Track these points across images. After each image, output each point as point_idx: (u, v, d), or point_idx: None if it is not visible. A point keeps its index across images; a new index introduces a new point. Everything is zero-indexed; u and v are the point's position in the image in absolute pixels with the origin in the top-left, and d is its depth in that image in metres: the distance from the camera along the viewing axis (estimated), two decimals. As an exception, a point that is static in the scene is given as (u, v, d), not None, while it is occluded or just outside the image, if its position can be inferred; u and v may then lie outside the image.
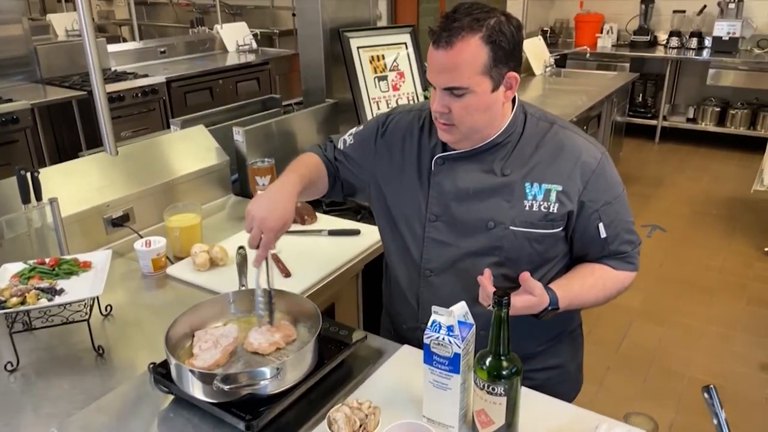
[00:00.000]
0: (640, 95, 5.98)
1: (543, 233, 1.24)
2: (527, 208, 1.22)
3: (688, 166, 5.40)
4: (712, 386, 0.87)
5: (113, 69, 4.53)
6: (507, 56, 1.15)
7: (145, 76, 4.30)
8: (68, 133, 3.97)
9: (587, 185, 1.23)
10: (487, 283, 1.15)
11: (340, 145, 1.47)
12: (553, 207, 1.22)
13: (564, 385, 1.44)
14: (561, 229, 1.25)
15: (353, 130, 1.47)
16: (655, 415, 2.52)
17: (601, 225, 1.25)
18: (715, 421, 0.86)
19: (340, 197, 1.53)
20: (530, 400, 1.10)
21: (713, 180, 5.08)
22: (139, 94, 4.12)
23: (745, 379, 2.73)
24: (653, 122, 5.95)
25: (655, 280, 3.44)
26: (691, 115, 5.88)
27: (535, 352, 1.36)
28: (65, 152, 3.98)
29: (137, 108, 4.12)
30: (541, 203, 1.22)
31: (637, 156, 5.63)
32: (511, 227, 1.23)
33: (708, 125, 5.79)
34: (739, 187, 4.76)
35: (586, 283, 1.27)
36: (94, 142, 3.95)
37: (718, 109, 5.72)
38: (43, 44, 4.44)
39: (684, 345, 2.97)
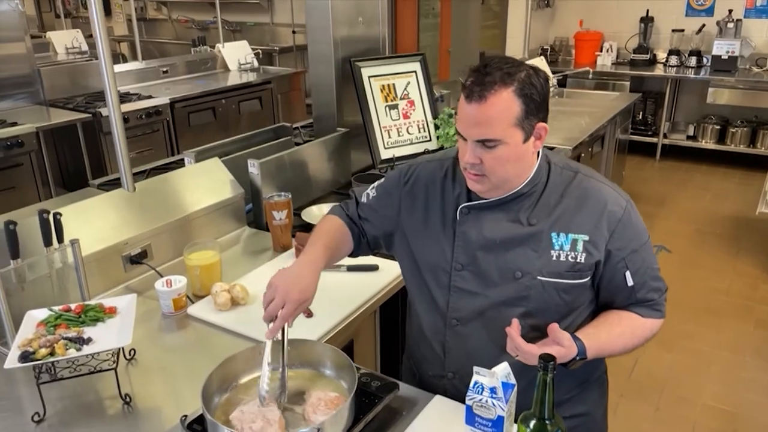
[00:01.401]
0: (641, 113, 6.03)
1: (571, 283, 1.24)
2: (554, 258, 1.22)
3: (690, 184, 5.44)
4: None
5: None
6: (537, 108, 1.17)
7: (149, 97, 4.30)
8: (72, 156, 3.96)
9: (614, 234, 1.23)
10: (515, 335, 1.15)
11: (364, 199, 1.46)
12: (581, 257, 1.22)
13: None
14: (588, 279, 1.25)
15: (375, 184, 1.47)
16: (669, 445, 2.54)
17: (628, 273, 1.25)
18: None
19: (368, 253, 1.52)
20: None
21: (715, 198, 5.11)
22: (143, 116, 4.12)
23: (757, 405, 2.73)
24: (654, 140, 5.99)
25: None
26: (691, 133, 5.92)
27: (563, 400, 1.35)
28: (69, 176, 3.97)
29: (141, 129, 4.12)
30: (569, 253, 1.22)
31: (639, 174, 5.66)
32: (538, 277, 1.23)
33: (708, 143, 5.83)
34: (742, 206, 4.79)
35: (614, 332, 1.27)
36: (99, 166, 3.97)
37: (718, 127, 5.77)
38: (46, 65, 4.43)
39: (694, 371, 2.97)
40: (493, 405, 0.97)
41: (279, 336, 1.20)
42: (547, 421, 0.96)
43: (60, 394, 1.36)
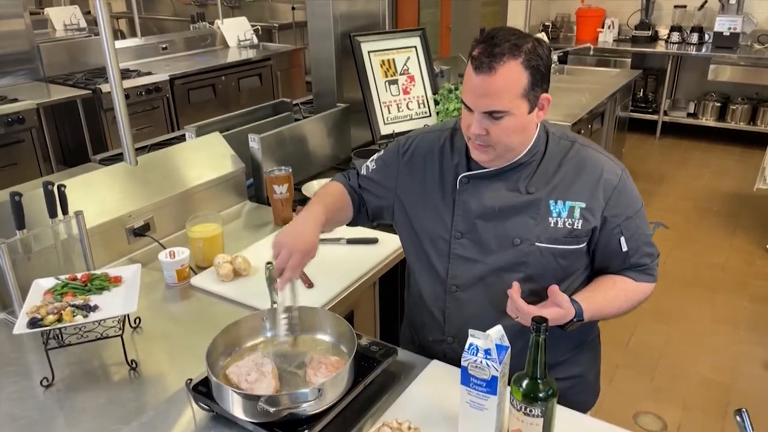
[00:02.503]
0: (641, 90, 6.01)
1: (568, 249, 1.27)
2: (552, 225, 1.26)
3: (689, 162, 5.45)
4: (744, 410, 0.90)
5: (116, 66, 4.50)
6: (542, 79, 1.19)
7: (149, 74, 4.29)
8: (73, 132, 3.97)
9: (609, 201, 1.26)
10: (516, 296, 1.19)
11: (363, 171, 1.50)
12: (578, 224, 1.26)
13: (583, 394, 1.48)
14: (585, 244, 1.29)
15: (375, 156, 1.50)
16: (663, 414, 2.61)
17: (622, 239, 1.29)
18: (748, 444, 0.89)
19: (367, 223, 1.55)
20: (566, 418, 1.13)
21: (714, 176, 5.12)
22: (143, 93, 4.12)
23: (750, 377, 2.78)
24: (654, 117, 5.98)
25: (660, 278, 3.47)
26: (691, 110, 5.91)
27: (559, 362, 1.40)
28: (70, 152, 3.98)
29: (141, 106, 4.12)
30: (566, 220, 1.26)
31: (638, 151, 5.66)
32: (536, 244, 1.26)
33: (708, 120, 5.83)
34: (741, 183, 4.81)
35: (609, 295, 1.31)
36: (100, 141, 3.98)
37: (718, 105, 5.76)
38: (45, 41, 4.42)
39: (689, 344, 3.02)
40: (487, 366, 1.01)
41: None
42: (539, 381, 0.99)
43: (67, 360, 1.40)
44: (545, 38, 4.52)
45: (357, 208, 1.49)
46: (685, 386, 2.73)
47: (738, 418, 0.90)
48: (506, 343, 1.04)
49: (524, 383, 1.00)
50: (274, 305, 1.32)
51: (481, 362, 1.01)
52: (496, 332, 1.03)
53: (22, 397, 1.30)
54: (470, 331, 1.04)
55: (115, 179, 1.90)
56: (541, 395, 0.99)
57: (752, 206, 4.46)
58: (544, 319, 0.98)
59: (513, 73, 1.14)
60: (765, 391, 2.69)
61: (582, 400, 1.45)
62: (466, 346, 1.03)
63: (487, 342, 1.02)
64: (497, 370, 1.00)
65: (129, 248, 1.87)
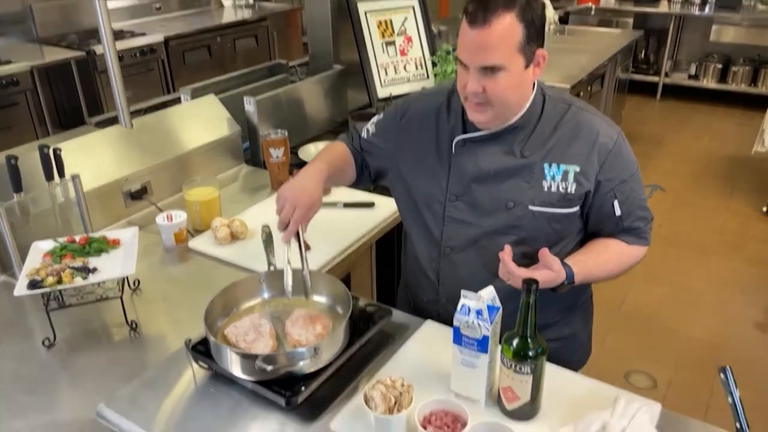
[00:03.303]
0: (643, 51, 5.94)
1: (561, 212, 1.28)
2: (546, 188, 1.26)
3: (689, 125, 5.42)
4: (728, 367, 0.92)
5: (110, 27, 4.44)
6: (537, 33, 1.17)
7: (143, 35, 4.23)
8: (68, 94, 3.93)
9: (604, 165, 1.26)
10: (507, 259, 1.20)
11: (364, 134, 1.51)
12: (571, 187, 1.26)
13: (575, 353, 1.52)
14: (578, 208, 1.29)
15: (374, 119, 1.51)
16: (654, 373, 2.67)
17: (616, 203, 1.29)
18: (730, 400, 0.92)
19: (369, 184, 1.57)
20: (554, 375, 1.16)
21: (714, 138, 5.11)
22: (138, 54, 4.06)
23: (741, 338, 2.83)
24: (655, 79, 5.93)
25: (655, 241, 3.48)
26: (693, 72, 5.86)
27: (550, 323, 1.42)
28: (65, 114, 3.95)
29: (136, 68, 4.08)
30: (560, 184, 1.26)
31: (638, 114, 5.63)
32: (530, 207, 1.27)
33: (709, 82, 5.78)
34: (740, 146, 4.80)
35: (601, 259, 1.32)
36: (95, 104, 3.95)
37: (720, 66, 5.70)
38: (38, 1, 4.34)
39: (683, 305, 3.06)
40: (479, 326, 1.03)
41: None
42: (529, 340, 1.02)
43: (69, 321, 1.42)
44: (550, 12, 4.44)
45: (359, 169, 1.51)
46: (677, 346, 2.78)
47: (722, 376, 0.93)
48: (497, 304, 1.06)
49: (514, 342, 1.02)
50: (271, 267, 1.34)
51: (472, 322, 1.03)
52: (488, 293, 1.05)
53: (25, 357, 1.33)
54: (462, 292, 1.06)
55: (111, 142, 1.90)
56: (530, 354, 1.01)
57: (750, 169, 4.47)
58: (535, 281, 0.99)
59: (508, 26, 1.13)
60: (755, 352, 2.74)
61: (574, 359, 1.48)
62: (459, 307, 1.05)
63: (478, 303, 1.04)
64: (488, 330, 1.03)
65: (126, 211, 1.88)
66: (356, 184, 1.55)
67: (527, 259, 1.27)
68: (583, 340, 1.55)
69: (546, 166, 1.26)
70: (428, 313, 1.43)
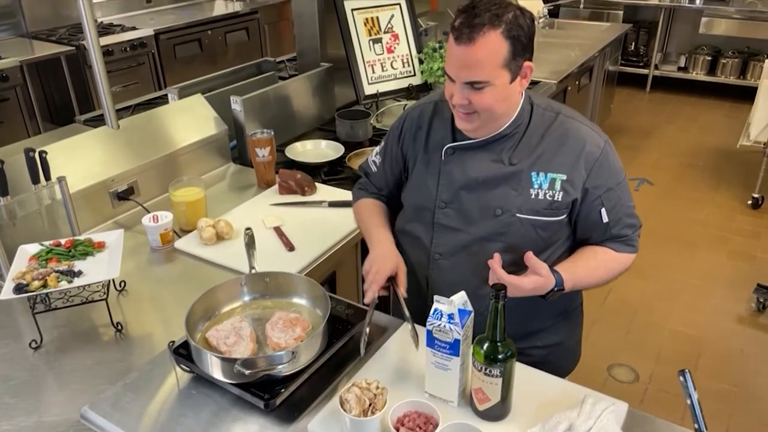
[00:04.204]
0: (633, 44, 5.96)
1: (548, 220, 1.30)
2: (533, 196, 1.28)
3: (678, 117, 5.45)
4: (687, 370, 0.96)
5: (99, 21, 4.44)
6: (524, 48, 1.20)
7: (133, 28, 4.23)
8: (58, 89, 3.93)
9: (591, 173, 1.28)
10: (497, 266, 1.22)
11: (373, 168, 1.54)
12: (558, 195, 1.28)
13: (564, 360, 1.54)
14: (565, 216, 1.31)
15: (377, 149, 1.54)
16: (637, 366, 2.72)
17: (603, 210, 1.31)
18: (689, 402, 0.96)
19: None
20: (524, 375, 1.20)
21: (701, 131, 5.14)
22: (128, 48, 4.06)
23: (723, 331, 2.88)
24: (645, 71, 5.95)
25: (641, 234, 3.56)
26: (682, 64, 5.88)
27: (541, 329, 1.45)
28: (56, 110, 3.96)
29: (126, 62, 4.08)
30: (547, 191, 1.28)
31: (627, 106, 5.66)
32: (517, 214, 1.29)
33: (699, 74, 5.81)
34: (727, 139, 4.83)
35: (590, 266, 1.34)
36: (86, 99, 3.95)
37: (709, 58, 5.73)
38: (26, -7, 4.33)
39: (666, 298, 3.11)
40: (450, 329, 1.06)
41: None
42: (498, 344, 1.05)
43: (55, 323, 1.45)
44: (539, 6, 4.45)
45: (386, 202, 1.55)
46: (659, 340, 2.83)
47: (681, 378, 0.96)
48: (469, 308, 1.10)
49: (485, 346, 1.06)
50: (253, 270, 1.37)
51: (444, 326, 1.07)
52: (459, 298, 1.08)
53: (12, 359, 1.36)
54: (435, 297, 1.09)
55: (98, 143, 1.92)
56: (500, 357, 1.05)
57: (737, 162, 4.51)
58: (503, 286, 1.03)
59: (493, 44, 1.15)
60: (737, 345, 2.79)
61: (562, 366, 1.50)
62: (431, 311, 1.09)
63: (450, 307, 1.07)
64: (459, 334, 1.06)
65: (114, 212, 1.90)
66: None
67: (515, 266, 1.28)
68: (572, 347, 1.56)
69: (533, 174, 1.28)
70: (418, 318, 1.46)
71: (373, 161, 1.54)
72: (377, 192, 1.56)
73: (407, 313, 1.28)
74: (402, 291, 1.31)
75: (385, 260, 1.33)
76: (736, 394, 2.47)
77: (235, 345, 1.17)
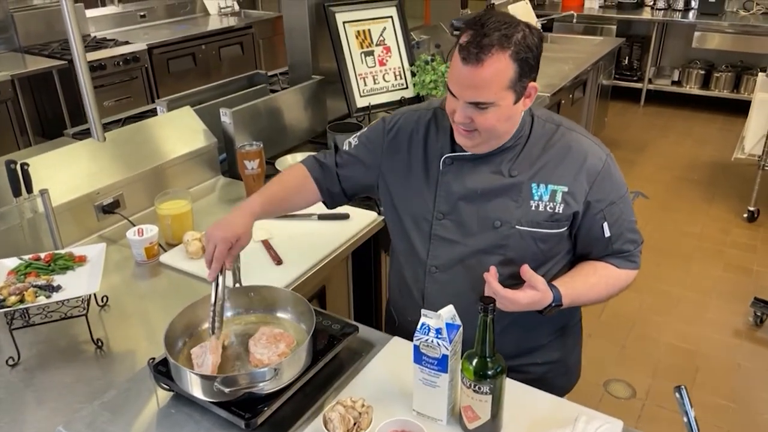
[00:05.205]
0: (626, 58, 5.98)
1: (548, 233, 1.27)
2: (533, 208, 1.25)
3: (672, 130, 5.46)
4: (683, 387, 0.93)
5: (93, 35, 4.43)
6: (531, 69, 1.17)
7: (126, 43, 4.22)
8: (50, 103, 3.91)
9: (593, 186, 1.26)
10: (493, 281, 1.19)
11: (345, 147, 1.47)
12: (559, 207, 1.25)
13: (563, 377, 1.50)
14: (565, 228, 1.28)
15: (358, 133, 1.48)
16: (633, 381, 2.67)
17: (605, 224, 1.28)
18: (685, 419, 0.92)
19: (345, 201, 1.53)
20: (516, 392, 1.16)
21: (696, 144, 5.14)
22: (121, 63, 4.05)
23: (719, 345, 2.85)
24: (638, 85, 5.97)
25: (637, 248, 3.54)
26: (676, 78, 5.90)
27: (540, 345, 1.41)
28: (48, 124, 3.93)
29: (119, 77, 4.06)
30: (547, 203, 1.25)
31: (622, 120, 5.67)
32: (517, 227, 1.26)
33: (692, 88, 5.82)
34: (721, 152, 4.83)
35: (589, 282, 1.31)
36: (78, 113, 3.93)
37: (702, 72, 5.75)
38: (20, 10, 4.32)
39: (661, 312, 3.08)
40: (438, 345, 1.03)
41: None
42: (488, 359, 1.02)
43: (35, 339, 1.41)
44: (528, 6, 4.46)
45: (326, 191, 1.48)
46: (655, 353, 2.79)
47: (677, 395, 0.93)
48: (458, 322, 1.06)
49: (474, 362, 1.02)
50: (236, 285, 1.34)
51: (432, 341, 1.03)
52: (447, 312, 1.05)
53: (-12, 376, 1.31)
54: (422, 311, 1.06)
55: (84, 155, 1.89)
56: (489, 373, 1.01)
57: (731, 175, 4.50)
58: (492, 300, 0.99)
59: (501, 66, 1.12)
60: (733, 359, 2.76)
61: (560, 384, 1.46)
62: (419, 326, 1.05)
63: (438, 321, 1.04)
64: (447, 349, 1.03)
65: (99, 225, 1.87)
66: (331, 206, 1.52)
67: (514, 279, 1.25)
68: (571, 365, 1.52)
69: (534, 185, 1.25)
70: (412, 334, 1.41)
71: (349, 142, 1.47)
72: (327, 168, 1.47)
73: (213, 295, 1.23)
74: (228, 263, 1.25)
75: (224, 228, 1.26)
76: (734, 410, 2.43)
77: (200, 358, 1.14)
